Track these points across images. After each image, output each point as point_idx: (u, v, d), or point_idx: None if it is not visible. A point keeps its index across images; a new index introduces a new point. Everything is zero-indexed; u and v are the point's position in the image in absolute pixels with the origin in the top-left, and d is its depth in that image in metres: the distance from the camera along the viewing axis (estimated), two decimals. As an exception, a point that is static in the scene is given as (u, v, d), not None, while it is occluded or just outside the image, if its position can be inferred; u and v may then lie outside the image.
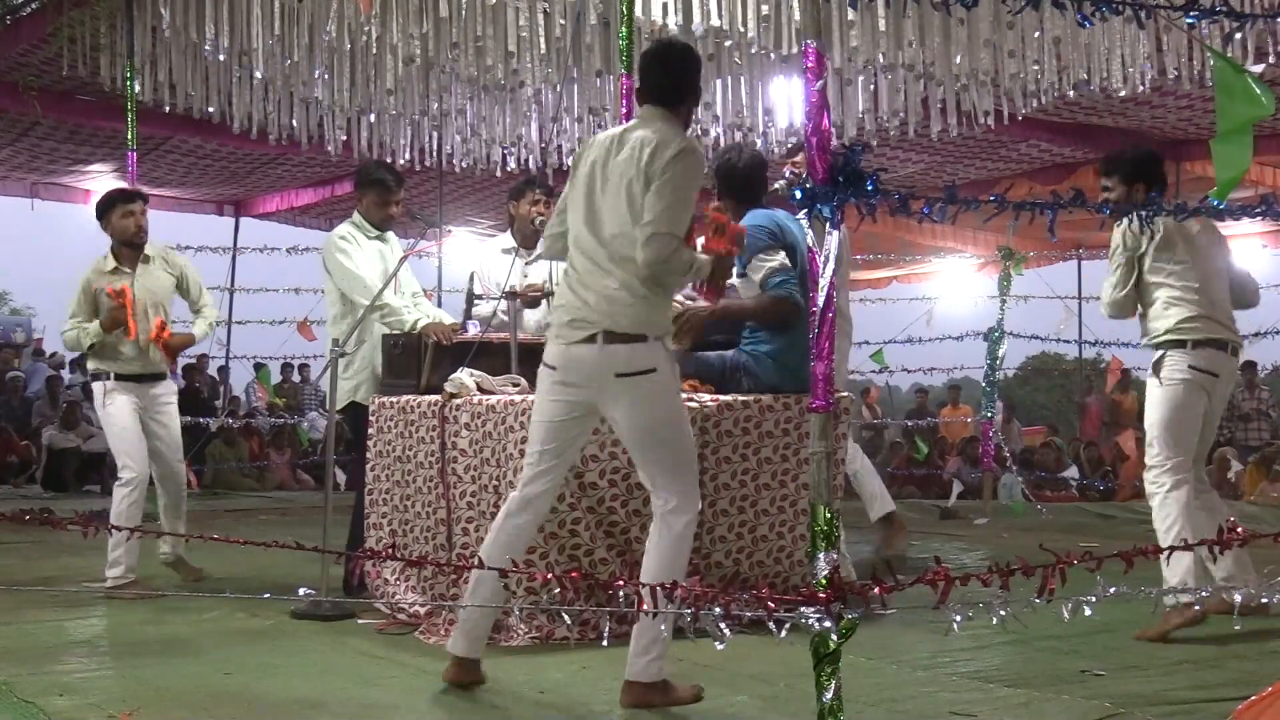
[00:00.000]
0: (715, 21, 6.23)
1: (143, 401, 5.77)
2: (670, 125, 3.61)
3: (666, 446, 3.56)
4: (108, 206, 5.81)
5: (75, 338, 5.75)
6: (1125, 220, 4.72)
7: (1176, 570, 4.38)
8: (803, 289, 4.68)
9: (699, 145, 3.70)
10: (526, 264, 5.94)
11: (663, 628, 3.34)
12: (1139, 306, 4.92)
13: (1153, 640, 4.43)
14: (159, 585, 5.67)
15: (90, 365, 5.82)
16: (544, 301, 5.78)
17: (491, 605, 3.64)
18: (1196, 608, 4.41)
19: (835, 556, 2.62)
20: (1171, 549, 2.86)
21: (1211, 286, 4.82)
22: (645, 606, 2.83)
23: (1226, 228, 5.33)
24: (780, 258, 4.76)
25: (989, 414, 9.73)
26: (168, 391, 5.91)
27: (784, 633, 2.56)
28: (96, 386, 5.79)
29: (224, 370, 15.04)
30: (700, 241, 3.68)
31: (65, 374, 14.76)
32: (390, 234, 5.86)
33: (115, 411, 5.69)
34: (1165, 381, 4.77)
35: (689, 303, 4.66)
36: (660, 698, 3.51)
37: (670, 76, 3.68)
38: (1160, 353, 4.81)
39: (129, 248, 5.78)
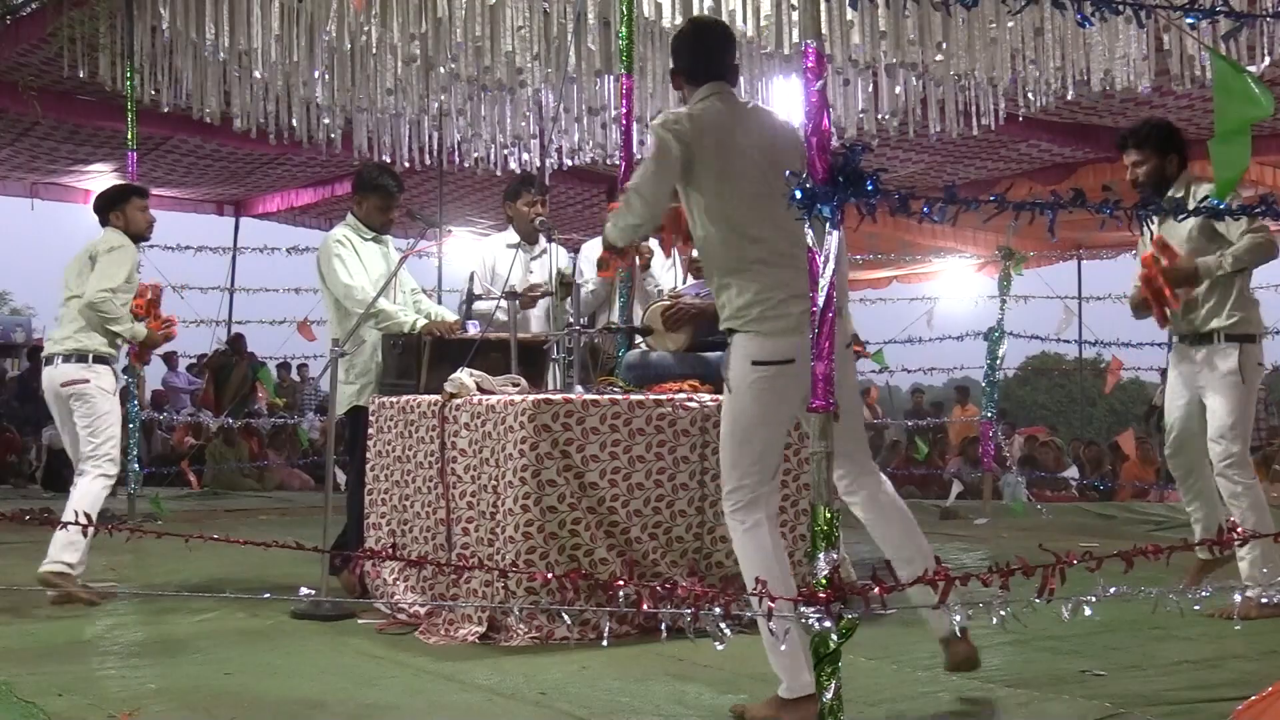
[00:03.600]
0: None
1: None
2: None
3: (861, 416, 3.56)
4: (122, 197, 5.74)
5: (117, 315, 5.49)
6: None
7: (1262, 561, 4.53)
8: None
9: None
10: (531, 260, 5.97)
11: None
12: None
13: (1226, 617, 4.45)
14: (159, 585, 5.67)
15: (103, 347, 5.51)
16: (543, 299, 5.79)
17: (483, 605, 3.60)
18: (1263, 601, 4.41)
19: (835, 556, 2.62)
20: (1172, 549, 2.85)
21: None
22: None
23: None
24: None
25: (989, 414, 9.73)
26: None
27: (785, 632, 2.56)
28: (103, 370, 5.51)
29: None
30: None
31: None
32: (387, 235, 5.86)
33: (118, 404, 5.55)
34: (1248, 378, 4.68)
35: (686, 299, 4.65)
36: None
37: (732, 56, 3.70)
38: (1236, 346, 4.70)
39: (138, 240, 5.75)
